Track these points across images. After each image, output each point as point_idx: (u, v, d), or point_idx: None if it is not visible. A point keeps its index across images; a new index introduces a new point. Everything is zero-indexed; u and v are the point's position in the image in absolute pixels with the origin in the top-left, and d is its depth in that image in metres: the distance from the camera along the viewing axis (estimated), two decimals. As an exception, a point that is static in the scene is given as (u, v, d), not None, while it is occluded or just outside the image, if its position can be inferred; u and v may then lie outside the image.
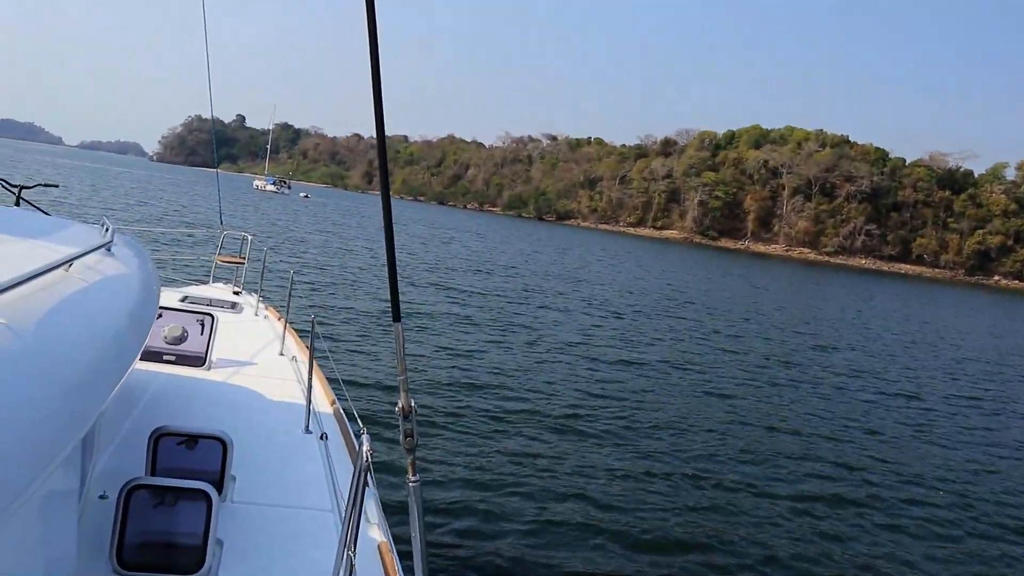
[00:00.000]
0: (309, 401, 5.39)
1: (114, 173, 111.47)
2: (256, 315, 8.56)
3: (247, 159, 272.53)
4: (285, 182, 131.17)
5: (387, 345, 14.80)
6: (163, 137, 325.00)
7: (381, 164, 3.16)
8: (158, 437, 3.81)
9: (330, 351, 10.52)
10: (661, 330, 23.34)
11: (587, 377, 15.03)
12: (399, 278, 3.14)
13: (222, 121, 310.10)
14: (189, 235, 29.01)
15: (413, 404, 3.26)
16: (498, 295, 26.30)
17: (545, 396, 12.97)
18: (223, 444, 3.86)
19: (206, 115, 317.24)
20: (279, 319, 8.30)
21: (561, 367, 15.63)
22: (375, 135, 3.21)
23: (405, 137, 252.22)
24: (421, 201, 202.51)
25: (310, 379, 5.43)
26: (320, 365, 6.23)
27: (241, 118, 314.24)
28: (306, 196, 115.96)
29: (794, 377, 18.35)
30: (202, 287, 9.73)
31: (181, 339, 6.36)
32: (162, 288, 10.07)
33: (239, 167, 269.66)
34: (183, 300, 7.98)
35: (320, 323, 13.57)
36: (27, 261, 2.37)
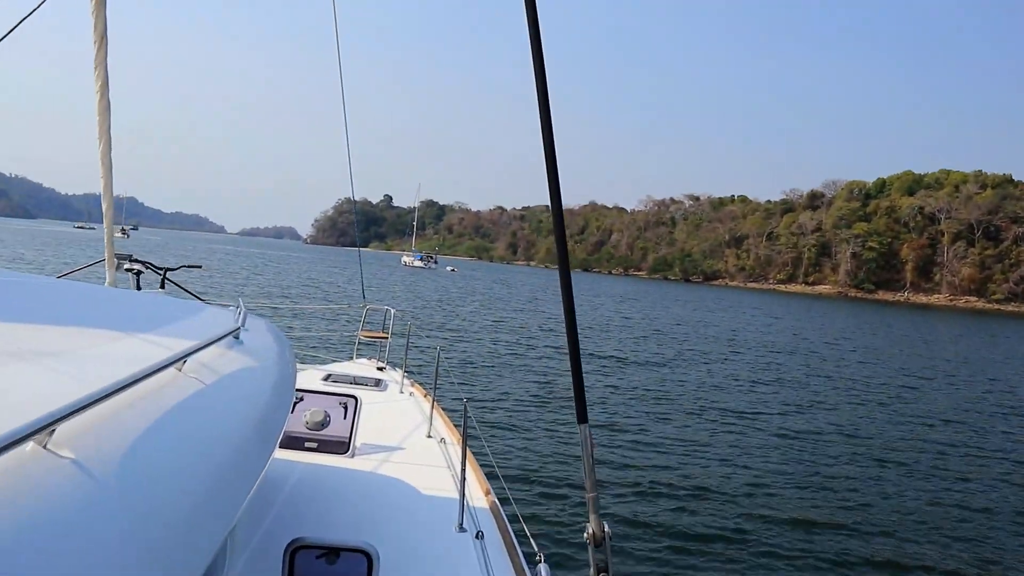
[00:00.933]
0: (463, 494, 4.77)
1: (269, 256, 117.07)
2: (401, 392, 8.09)
3: (395, 237, 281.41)
4: (432, 257, 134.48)
5: (547, 433, 13.70)
6: (315, 220, 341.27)
7: (560, 247, 2.59)
8: (295, 550, 3.30)
9: (484, 437, 9.93)
10: (838, 394, 21.78)
11: (766, 454, 13.78)
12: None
13: (370, 202, 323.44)
14: (332, 311, 28.76)
15: (607, 529, 2.61)
16: (657, 363, 25.20)
17: (733, 485, 11.80)
18: (368, 558, 3.30)
19: (355, 198, 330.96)
20: (425, 396, 7.83)
21: (736, 443, 14.42)
22: (551, 212, 2.72)
23: (546, 207, 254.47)
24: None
25: (463, 469, 4.82)
26: (472, 451, 5.63)
27: (388, 198, 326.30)
28: (453, 270, 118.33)
29: (999, 448, 16.47)
30: (346, 364, 9.44)
31: (323, 424, 5.98)
32: (306, 366, 9.70)
33: (388, 245, 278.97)
34: (327, 379, 7.71)
35: (471, 402, 12.74)
36: (138, 357, 1.85)
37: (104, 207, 9.03)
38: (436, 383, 6.96)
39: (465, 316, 38.17)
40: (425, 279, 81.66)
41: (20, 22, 5.37)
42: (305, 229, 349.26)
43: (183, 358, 1.98)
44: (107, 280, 8.40)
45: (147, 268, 8.47)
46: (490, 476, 5.85)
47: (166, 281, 8.43)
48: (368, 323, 10.72)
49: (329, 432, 5.90)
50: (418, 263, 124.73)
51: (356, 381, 7.85)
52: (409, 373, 8.77)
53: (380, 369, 9.14)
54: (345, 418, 5.98)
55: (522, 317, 40.44)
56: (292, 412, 4.89)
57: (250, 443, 2.11)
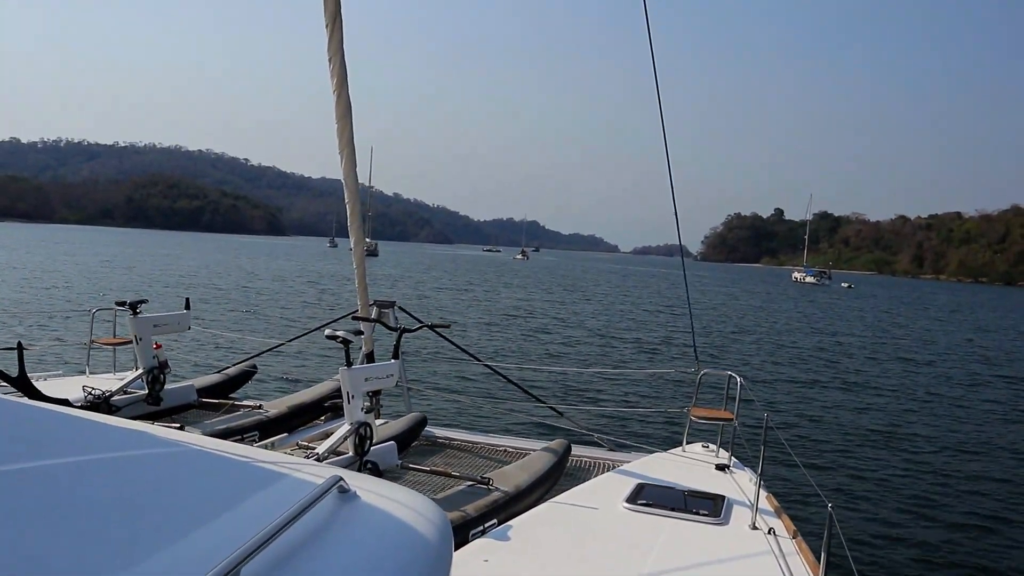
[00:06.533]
0: None
1: (654, 274, 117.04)
2: (754, 527, 4.86)
3: (786, 252, 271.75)
4: (825, 272, 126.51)
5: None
6: (705, 237, 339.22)
7: None
8: None
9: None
10: None
11: None
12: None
13: (760, 216, 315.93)
14: (654, 377, 19.65)
15: None
16: None
17: None
18: None
19: (744, 212, 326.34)
20: (794, 536, 4.75)
21: None
22: None
23: (958, 214, 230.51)
24: (983, 283, 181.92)
25: None
26: None
27: (779, 212, 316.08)
28: (849, 286, 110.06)
29: None
30: (671, 455, 6.62)
31: None
32: (619, 456, 6.88)
33: (779, 260, 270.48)
34: (634, 499, 5.10)
35: None
36: None
37: (352, 241, 7.75)
38: (830, 534, 3.60)
39: (871, 362, 25.93)
40: (816, 297, 75.71)
41: None
42: (695, 246, 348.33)
43: None
44: (364, 332, 7.13)
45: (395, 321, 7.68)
46: None
47: (436, 330, 7.28)
48: (703, 394, 7.23)
49: None
50: (809, 279, 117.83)
51: (684, 504, 5.08)
52: (766, 486, 5.51)
53: (721, 469, 6.18)
54: None
55: (966, 371, 24.93)
56: None
57: None
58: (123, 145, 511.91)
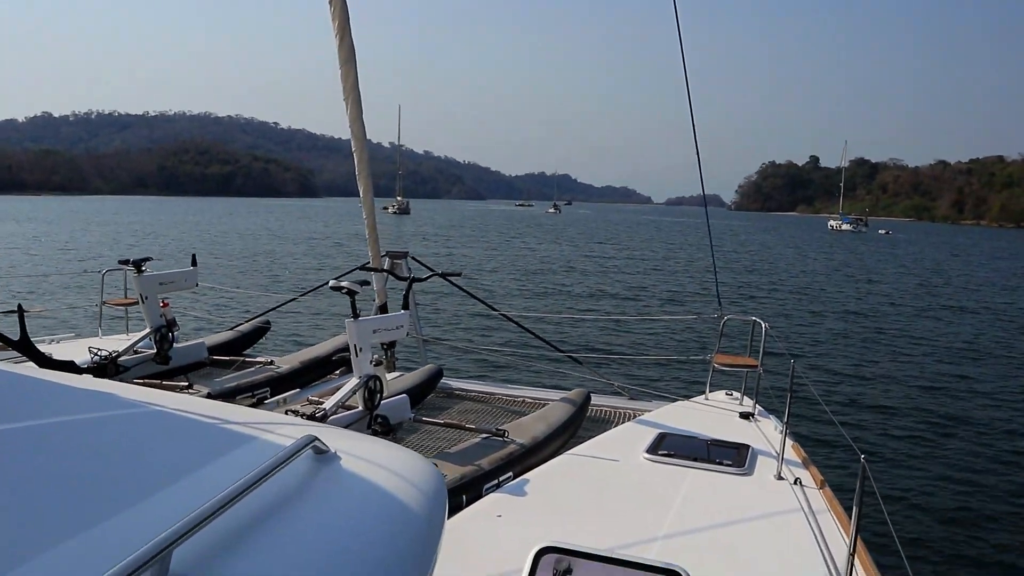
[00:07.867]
0: None
1: (688, 224, 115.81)
2: (780, 477, 4.60)
3: (823, 199, 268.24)
4: (861, 219, 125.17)
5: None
6: (740, 186, 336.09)
7: None
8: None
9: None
10: None
11: None
12: None
13: (795, 164, 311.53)
14: (677, 324, 18.80)
15: None
16: None
17: None
18: None
19: (779, 161, 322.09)
20: (820, 487, 4.48)
21: None
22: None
23: (1000, 157, 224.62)
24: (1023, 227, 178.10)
25: None
26: None
27: (814, 159, 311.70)
28: (887, 233, 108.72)
29: None
30: (691, 403, 6.32)
31: None
32: (639, 405, 6.76)
33: (815, 208, 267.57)
34: (655, 450, 4.85)
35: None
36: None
37: (361, 190, 7.46)
38: (863, 486, 3.13)
39: (903, 307, 25.35)
40: (851, 244, 74.52)
41: None
42: (729, 195, 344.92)
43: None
44: (374, 285, 6.99)
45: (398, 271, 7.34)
46: None
47: (448, 278, 7.30)
48: (727, 340, 6.89)
49: None
50: (846, 227, 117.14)
51: (707, 454, 4.85)
52: (795, 434, 5.32)
53: (746, 417, 5.84)
54: None
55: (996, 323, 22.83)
56: None
57: None
58: (153, 114, 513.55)
